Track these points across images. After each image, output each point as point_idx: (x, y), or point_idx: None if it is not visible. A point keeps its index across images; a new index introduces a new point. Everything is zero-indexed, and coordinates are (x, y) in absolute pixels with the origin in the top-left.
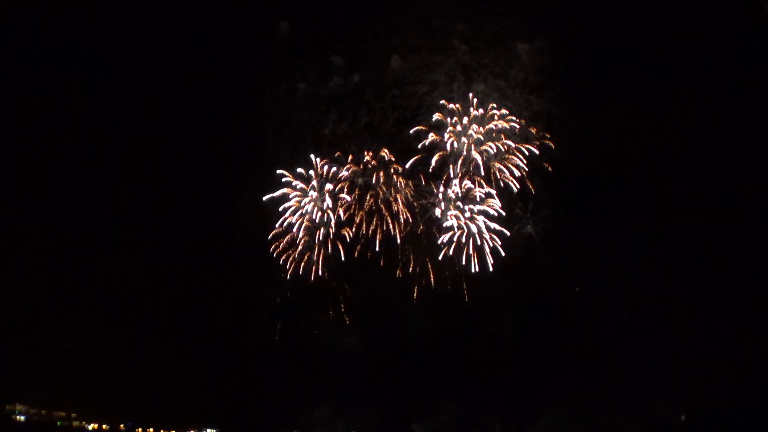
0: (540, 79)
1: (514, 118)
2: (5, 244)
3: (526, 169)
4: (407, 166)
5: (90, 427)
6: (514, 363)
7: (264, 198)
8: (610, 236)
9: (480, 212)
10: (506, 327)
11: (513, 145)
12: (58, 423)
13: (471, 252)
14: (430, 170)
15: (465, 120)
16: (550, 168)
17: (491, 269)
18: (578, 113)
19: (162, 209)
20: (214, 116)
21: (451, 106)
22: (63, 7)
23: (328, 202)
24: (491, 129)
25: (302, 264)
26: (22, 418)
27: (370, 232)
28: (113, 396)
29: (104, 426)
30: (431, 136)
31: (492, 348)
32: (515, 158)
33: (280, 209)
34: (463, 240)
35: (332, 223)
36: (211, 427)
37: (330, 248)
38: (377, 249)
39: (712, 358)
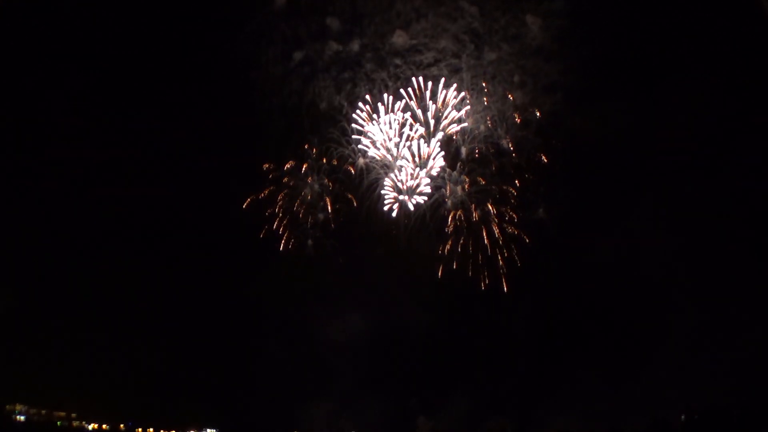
0: (558, 46)
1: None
2: (4, 244)
3: (545, 160)
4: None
5: (90, 427)
6: (523, 358)
7: (245, 204)
8: (618, 230)
9: (493, 215)
10: (518, 319)
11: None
12: (58, 423)
13: (480, 262)
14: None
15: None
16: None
17: (505, 289)
18: (599, 84)
19: (160, 208)
20: (204, 97)
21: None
22: None
23: (325, 199)
24: (507, 117)
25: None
26: (22, 418)
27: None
28: (113, 396)
29: (104, 426)
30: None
31: (504, 341)
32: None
33: (267, 213)
34: (470, 248)
35: (329, 214)
36: (211, 427)
37: (327, 248)
38: (378, 250)
39: (712, 358)
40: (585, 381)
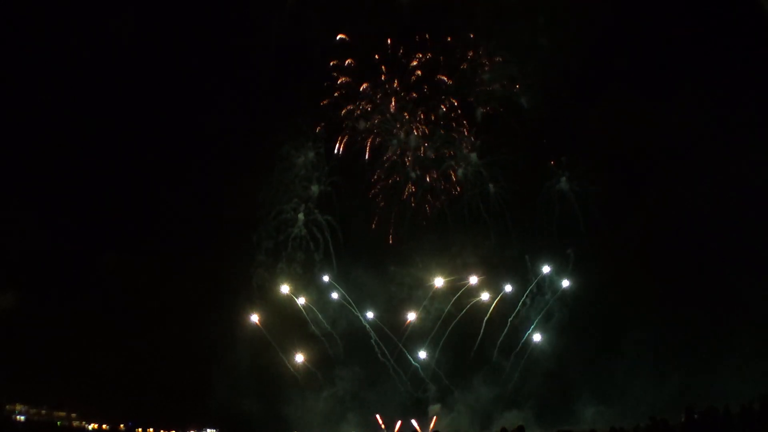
0: None
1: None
2: (3, 243)
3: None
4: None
5: (90, 427)
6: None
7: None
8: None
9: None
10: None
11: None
12: (58, 423)
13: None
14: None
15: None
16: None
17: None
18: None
19: (158, 207)
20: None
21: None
22: None
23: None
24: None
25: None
26: (22, 418)
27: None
28: (113, 396)
29: (104, 426)
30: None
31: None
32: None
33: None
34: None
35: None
36: (211, 427)
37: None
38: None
39: (713, 358)
40: (587, 381)
